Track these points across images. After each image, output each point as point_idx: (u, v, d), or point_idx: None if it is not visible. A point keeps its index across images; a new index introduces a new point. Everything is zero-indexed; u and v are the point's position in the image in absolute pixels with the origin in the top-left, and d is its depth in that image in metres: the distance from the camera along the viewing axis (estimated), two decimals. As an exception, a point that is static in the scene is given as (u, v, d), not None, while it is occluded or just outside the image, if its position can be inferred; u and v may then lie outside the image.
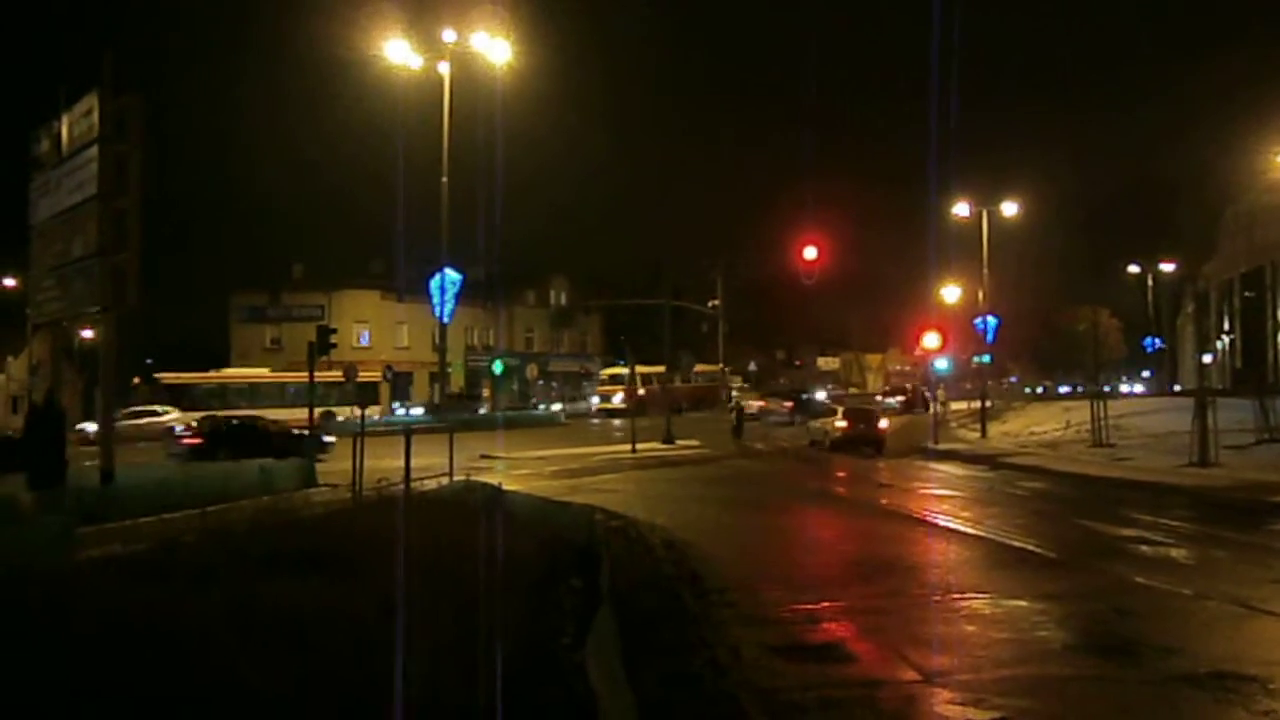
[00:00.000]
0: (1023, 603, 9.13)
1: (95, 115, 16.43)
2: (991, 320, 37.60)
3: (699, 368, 37.85)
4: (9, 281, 42.96)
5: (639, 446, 29.28)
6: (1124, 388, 65.45)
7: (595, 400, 57.67)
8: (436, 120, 38.05)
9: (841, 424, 30.98)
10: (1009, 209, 36.96)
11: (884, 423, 32.02)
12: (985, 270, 37.50)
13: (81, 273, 16.86)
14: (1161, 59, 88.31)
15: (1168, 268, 57.68)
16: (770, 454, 30.66)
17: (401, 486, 14.93)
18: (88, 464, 17.03)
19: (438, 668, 4.99)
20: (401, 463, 15.45)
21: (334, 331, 29.50)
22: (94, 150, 16.38)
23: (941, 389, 41.71)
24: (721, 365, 57.91)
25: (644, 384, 54.26)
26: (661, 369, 52.25)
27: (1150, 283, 61.40)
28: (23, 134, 19.22)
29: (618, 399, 52.93)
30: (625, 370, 55.95)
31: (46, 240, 18.36)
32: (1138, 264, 61.09)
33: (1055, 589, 9.72)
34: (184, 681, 4.71)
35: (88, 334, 39.99)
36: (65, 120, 17.48)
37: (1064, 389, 67.97)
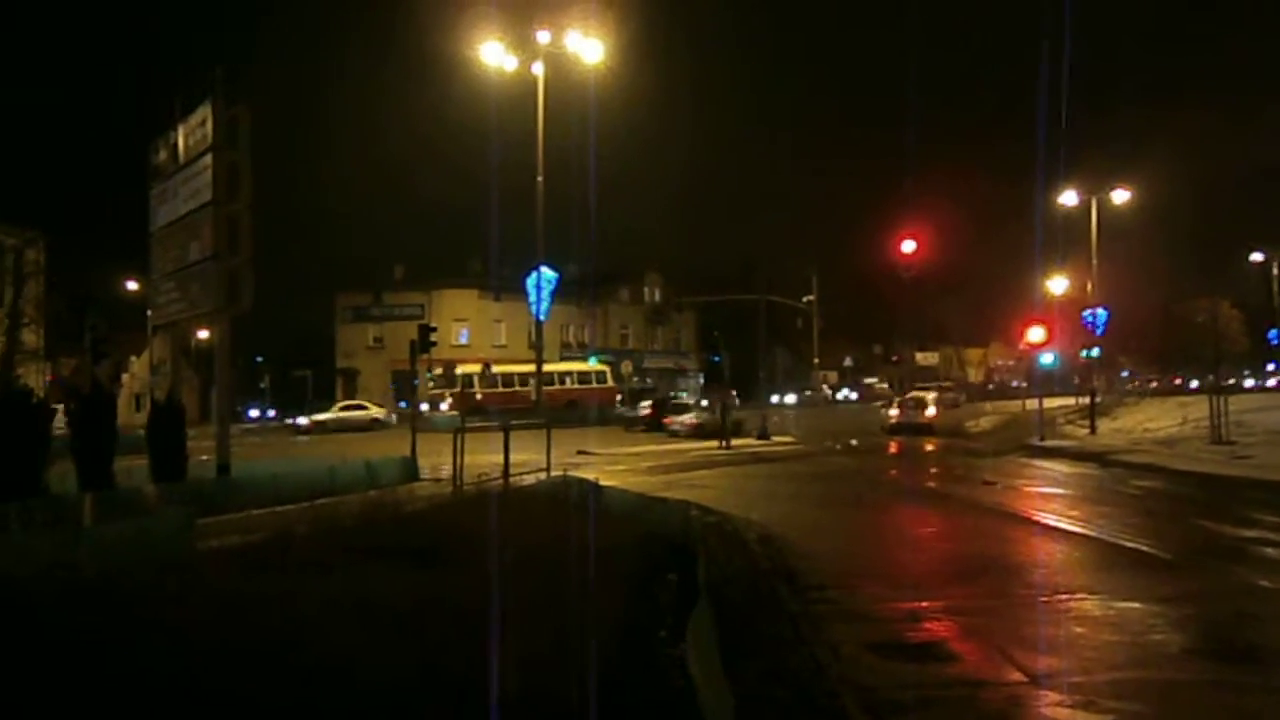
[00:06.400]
0: (1136, 605, 8.80)
1: (209, 125, 17.16)
2: (1101, 313, 36.21)
3: (569, 366, 31.72)
4: (131, 285, 45.12)
5: (733, 442, 29.34)
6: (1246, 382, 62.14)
7: (424, 407, 42.26)
8: (531, 120, 38.57)
9: (894, 413, 36.80)
10: (1120, 197, 35.53)
11: (931, 410, 36.85)
12: (1094, 261, 36.17)
13: (198, 276, 17.65)
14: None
15: (1294, 255, 54.67)
16: (865, 450, 30.22)
17: (500, 481, 15.29)
18: (204, 458, 17.77)
19: (539, 657, 5.08)
20: (500, 458, 15.81)
21: (434, 330, 30.23)
22: (208, 158, 17.13)
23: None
24: (609, 365, 50.79)
25: (484, 385, 45.98)
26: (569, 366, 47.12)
27: (1275, 271, 58.35)
28: (142, 146, 20.28)
29: (444, 405, 44.50)
30: (445, 372, 46.80)
31: (165, 246, 19.28)
32: (1262, 252, 58.10)
33: (1171, 591, 9.34)
34: (306, 662, 4.90)
35: (204, 334, 41.73)
36: (181, 131, 18.29)
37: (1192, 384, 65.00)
